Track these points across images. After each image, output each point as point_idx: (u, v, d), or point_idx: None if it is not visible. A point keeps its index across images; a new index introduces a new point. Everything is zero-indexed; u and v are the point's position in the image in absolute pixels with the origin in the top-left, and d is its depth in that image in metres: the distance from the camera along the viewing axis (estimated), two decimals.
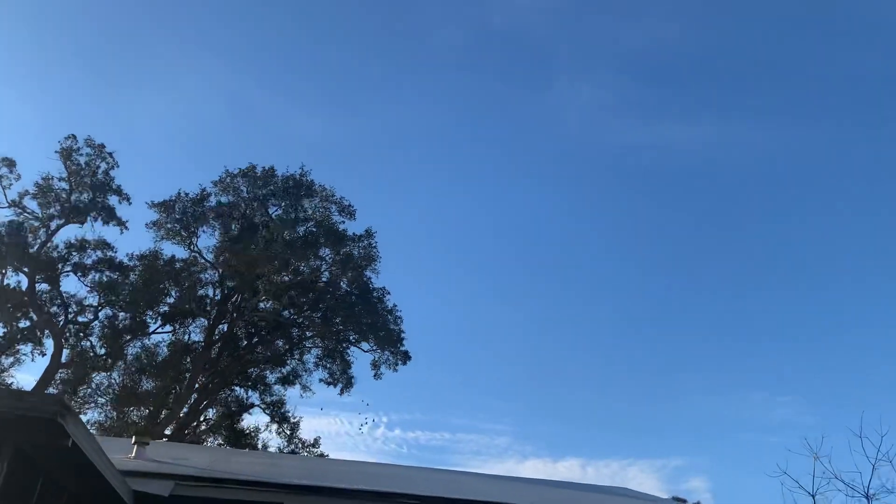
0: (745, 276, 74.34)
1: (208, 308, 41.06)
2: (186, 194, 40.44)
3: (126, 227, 39.58)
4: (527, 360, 76.01)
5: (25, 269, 37.03)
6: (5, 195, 37.53)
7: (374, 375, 41.61)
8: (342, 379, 41.82)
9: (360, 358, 42.33)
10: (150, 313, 39.83)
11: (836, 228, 71.74)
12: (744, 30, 75.75)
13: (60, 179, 38.50)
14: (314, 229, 41.42)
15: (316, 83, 76.45)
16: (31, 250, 37.26)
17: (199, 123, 70.04)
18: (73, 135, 38.21)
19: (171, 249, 40.69)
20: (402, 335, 41.53)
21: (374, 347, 41.83)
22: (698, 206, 77.59)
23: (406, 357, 41.59)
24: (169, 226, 40.00)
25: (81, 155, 38.58)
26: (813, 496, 15.69)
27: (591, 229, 78.44)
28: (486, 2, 72.24)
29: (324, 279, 42.34)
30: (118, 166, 39.28)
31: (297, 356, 42.61)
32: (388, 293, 41.99)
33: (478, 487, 17.66)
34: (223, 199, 41.04)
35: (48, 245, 38.22)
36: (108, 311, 39.28)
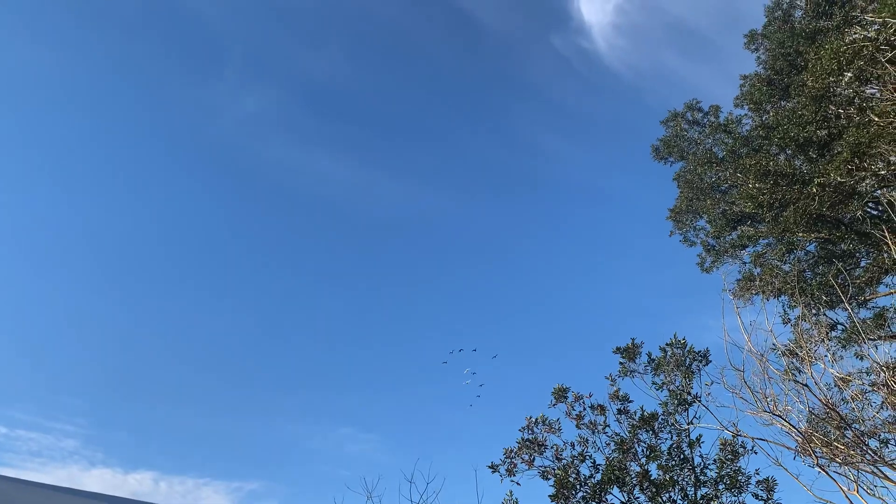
0: (356, 316, 79.07)
1: None
2: None
3: None
4: (114, 360, 70.42)
5: None
6: None
7: None
8: None
9: None
10: None
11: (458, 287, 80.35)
12: (413, 94, 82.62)
13: None
14: None
15: None
16: None
17: None
18: None
19: None
20: None
21: None
22: (330, 236, 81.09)
23: None
24: None
25: None
26: None
27: (217, 236, 76.81)
28: None
29: None
30: None
31: None
32: None
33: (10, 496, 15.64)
34: None
35: None
36: None
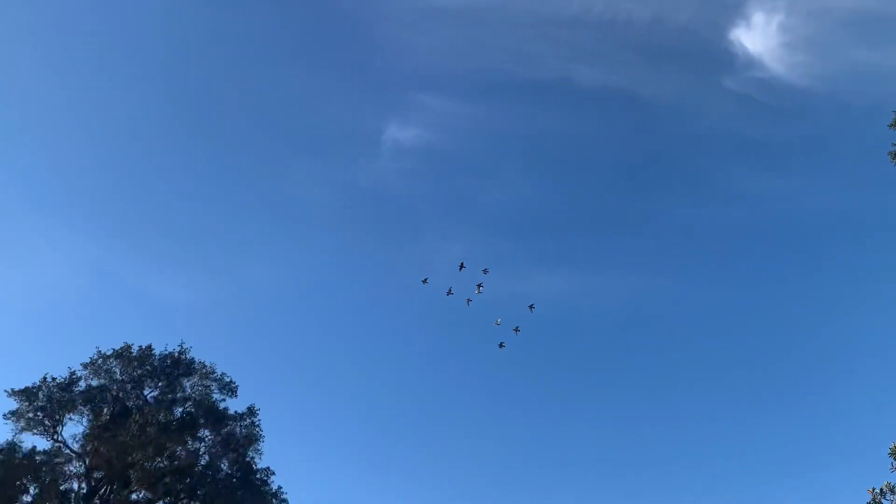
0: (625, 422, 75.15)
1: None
2: (53, 379, 38.07)
3: None
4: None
5: None
6: None
7: None
8: None
9: None
10: None
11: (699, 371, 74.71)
12: (591, 188, 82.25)
13: None
14: (192, 409, 39.44)
15: (181, 246, 77.12)
16: None
17: (62, 296, 67.73)
18: None
19: (33, 441, 37.46)
20: None
21: None
22: (562, 355, 79.58)
23: None
24: (30, 415, 37.15)
25: None
26: None
27: (455, 381, 78.23)
28: (351, 164, 76.75)
29: (203, 462, 39.74)
30: None
31: None
32: (273, 473, 39.71)
33: None
34: (94, 383, 38.81)
35: None
36: None
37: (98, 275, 71.83)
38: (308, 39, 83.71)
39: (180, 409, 39.38)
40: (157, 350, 40.24)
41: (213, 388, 40.43)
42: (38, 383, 37.58)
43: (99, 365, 39.04)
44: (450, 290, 33.66)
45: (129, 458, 37.10)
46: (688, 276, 78.91)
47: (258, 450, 39.64)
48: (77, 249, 71.35)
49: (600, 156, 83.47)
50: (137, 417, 36.97)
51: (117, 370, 39.38)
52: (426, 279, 34.55)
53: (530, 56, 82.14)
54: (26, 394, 37.17)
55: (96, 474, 37.85)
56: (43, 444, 37.55)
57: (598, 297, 79.67)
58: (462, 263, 33.63)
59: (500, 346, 34.14)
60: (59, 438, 37.65)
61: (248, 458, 39.68)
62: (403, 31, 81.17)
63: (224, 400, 40.34)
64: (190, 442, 38.89)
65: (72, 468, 37.83)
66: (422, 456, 77.37)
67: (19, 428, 36.91)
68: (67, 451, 37.67)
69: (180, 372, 39.97)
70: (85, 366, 38.95)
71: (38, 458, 36.74)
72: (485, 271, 33.22)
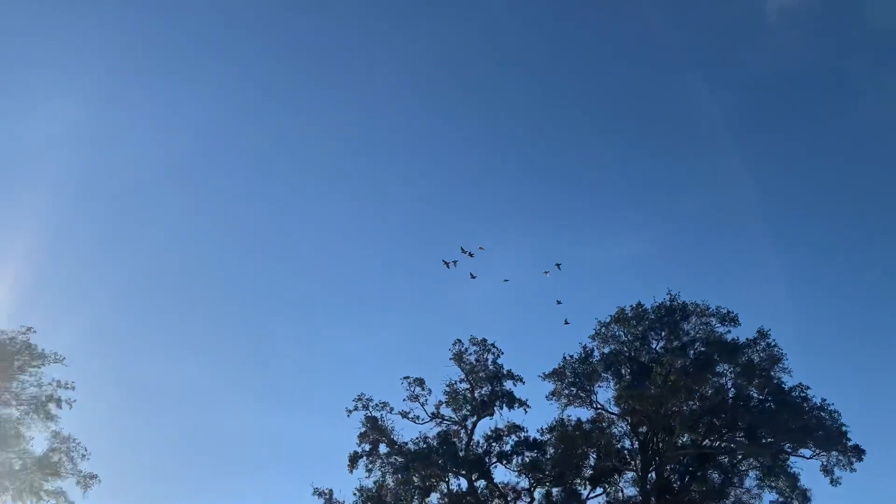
0: None
1: (629, 460, 40.42)
2: (571, 356, 41.59)
3: (528, 406, 41.56)
4: None
5: (463, 472, 39.79)
6: (425, 410, 41.49)
7: (831, 482, 36.88)
8: (796, 496, 37.79)
9: (806, 467, 38.20)
10: (578, 481, 40.24)
11: None
12: None
13: (461, 381, 41.76)
14: (703, 349, 39.76)
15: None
16: (460, 453, 40.10)
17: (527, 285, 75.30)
18: (458, 339, 41.92)
19: (576, 413, 41.31)
20: (845, 429, 36.84)
21: (817, 451, 37.50)
22: None
23: (859, 452, 36.47)
24: (566, 391, 41.03)
25: (470, 354, 41.82)
26: None
27: None
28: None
29: (730, 395, 39.87)
30: (503, 353, 41.93)
31: (735, 483, 39.73)
32: (808, 388, 38.23)
33: None
34: (606, 350, 41.47)
35: (472, 444, 40.92)
36: (540, 490, 40.46)
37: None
38: None
39: (691, 352, 39.97)
40: (647, 304, 41.52)
41: (713, 323, 40.43)
42: (561, 364, 41.39)
43: (603, 333, 41.63)
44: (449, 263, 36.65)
45: (663, 409, 38.79)
46: None
47: (784, 368, 38.55)
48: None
49: None
50: (658, 370, 38.43)
51: (621, 333, 41.56)
52: (448, 262, 36.62)
53: None
54: (556, 374, 41.15)
55: (641, 429, 40.34)
56: (585, 414, 41.24)
57: None
58: (466, 251, 36.40)
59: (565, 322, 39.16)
60: (597, 405, 40.96)
61: (775, 381, 38.75)
62: None
63: (728, 332, 40.07)
64: (712, 379, 39.24)
65: (617, 429, 40.94)
66: None
67: (562, 405, 41.04)
68: (608, 414, 40.82)
69: (677, 318, 40.62)
70: (592, 337, 41.91)
71: (585, 426, 40.40)
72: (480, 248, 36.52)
